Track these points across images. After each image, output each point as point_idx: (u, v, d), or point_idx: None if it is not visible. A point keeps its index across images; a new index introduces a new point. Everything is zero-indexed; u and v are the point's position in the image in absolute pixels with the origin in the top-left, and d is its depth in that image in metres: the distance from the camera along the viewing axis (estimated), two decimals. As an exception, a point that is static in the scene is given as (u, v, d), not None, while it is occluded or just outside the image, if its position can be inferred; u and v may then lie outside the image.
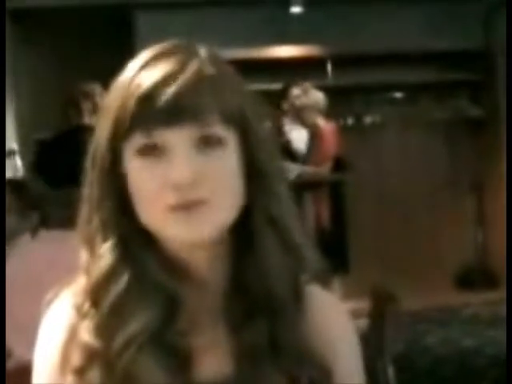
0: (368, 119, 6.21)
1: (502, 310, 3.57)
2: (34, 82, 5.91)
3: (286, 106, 5.03)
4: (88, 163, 0.95)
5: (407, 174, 6.11)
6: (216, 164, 0.89)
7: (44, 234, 2.35)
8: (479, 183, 6.14)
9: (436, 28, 5.96)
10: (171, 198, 0.88)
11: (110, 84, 0.94)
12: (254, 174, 0.93)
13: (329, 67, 6.01)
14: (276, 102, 5.07)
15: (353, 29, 5.88)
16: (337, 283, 4.61)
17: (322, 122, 5.01)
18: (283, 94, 5.04)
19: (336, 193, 4.93)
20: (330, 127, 5.07)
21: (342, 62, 5.81)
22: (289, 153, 4.85)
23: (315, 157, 4.92)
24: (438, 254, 6.00)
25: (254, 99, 0.96)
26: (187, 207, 0.88)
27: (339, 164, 4.97)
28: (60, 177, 2.39)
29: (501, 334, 3.91)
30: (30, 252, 2.29)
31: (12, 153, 5.00)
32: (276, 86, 5.15)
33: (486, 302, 5.29)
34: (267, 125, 1.01)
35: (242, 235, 0.94)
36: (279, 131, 4.98)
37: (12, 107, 5.69)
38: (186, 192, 0.88)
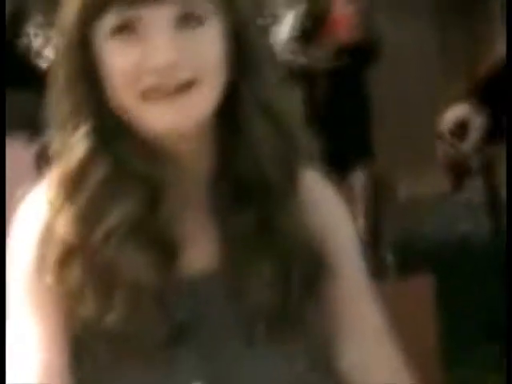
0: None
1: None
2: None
3: None
4: (56, 40, 0.88)
5: (399, 58, 5.99)
6: (198, 43, 0.83)
7: None
8: (473, 65, 6.02)
9: None
10: (149, 81, 0.82)
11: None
12: (240, 52, 0.87)
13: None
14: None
15: None
16: (358, 175, 4.39)
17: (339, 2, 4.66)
18: None
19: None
20: (347, 8, 4.70)
21: None
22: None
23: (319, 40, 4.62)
24: (430, 140, 5.95)
25: None
26: (169, 93, 0.82)
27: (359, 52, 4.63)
28: None
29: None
30: None
31: None
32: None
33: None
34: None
35: (229, 119, 0.88)
36: None
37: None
38: (167, 75, 0.81)
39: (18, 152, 2.10)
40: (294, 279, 0.88)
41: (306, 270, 0.89)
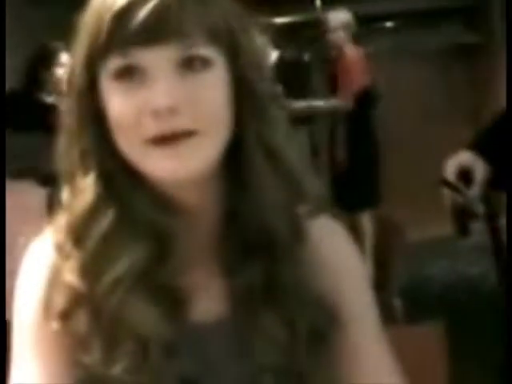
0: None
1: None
2: None
3: None
4: (65, 89, 0.87)
5: (401, 104, 6.01)
6: (201, 88, 0.81)
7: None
8: (475, 113, 6.04)
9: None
10: (150, 128, 0.80)
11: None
12: (245, 96, 0.85)
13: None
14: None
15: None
16: (367, 218, 4.37)
17: (349, 47, 4.59)
18: None
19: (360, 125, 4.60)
20: (358, 53, 4.58)
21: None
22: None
23: (339, 88, 4.56)
24: (435, 184, 5.92)
25: (241, 12, 0.87)
26: (170, 139, 0.80)
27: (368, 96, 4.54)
28: None
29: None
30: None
31: None
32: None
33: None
34: (258, 41, 0.92)
35: (235, 165, 0.86)
36: None
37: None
38: (168, 120, 0.80)
39: (26, 196, 2.10)
40: (301, 334, 0.85)
41: (314, 325, 0.86)
